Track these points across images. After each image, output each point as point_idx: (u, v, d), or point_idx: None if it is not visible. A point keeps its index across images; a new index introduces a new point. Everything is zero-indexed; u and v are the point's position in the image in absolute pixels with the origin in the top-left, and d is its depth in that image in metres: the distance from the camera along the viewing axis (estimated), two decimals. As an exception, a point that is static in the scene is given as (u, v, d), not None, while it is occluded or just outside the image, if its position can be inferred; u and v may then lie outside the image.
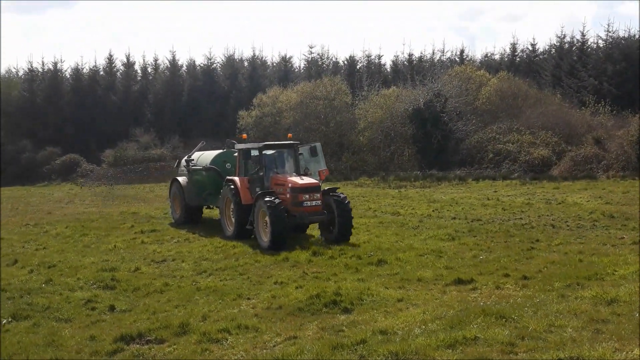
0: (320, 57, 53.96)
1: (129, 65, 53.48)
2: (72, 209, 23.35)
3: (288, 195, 13.94)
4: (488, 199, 20.94)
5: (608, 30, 42.32)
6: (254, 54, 53.91)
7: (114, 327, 8.25)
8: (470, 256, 11.76)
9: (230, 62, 52.63)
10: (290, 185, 14.05)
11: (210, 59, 52.26)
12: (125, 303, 9.55)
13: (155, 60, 54.44)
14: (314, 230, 15.43)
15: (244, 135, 16.55)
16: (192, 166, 18.06)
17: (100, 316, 8.90)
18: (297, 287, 9.97)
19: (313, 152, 16.41)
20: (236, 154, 16.01)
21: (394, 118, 34.56)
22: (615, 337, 6.20)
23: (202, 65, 52.54)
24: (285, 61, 53.55)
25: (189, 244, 14.73)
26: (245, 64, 53.22)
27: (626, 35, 40.85)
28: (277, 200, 13.46)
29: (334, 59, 54.73)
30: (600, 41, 43.22)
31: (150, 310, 9.03)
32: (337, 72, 47.64)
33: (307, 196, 13.87)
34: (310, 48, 53.36)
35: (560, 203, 19.20)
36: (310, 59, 53.62)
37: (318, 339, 7.19)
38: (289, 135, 17.34)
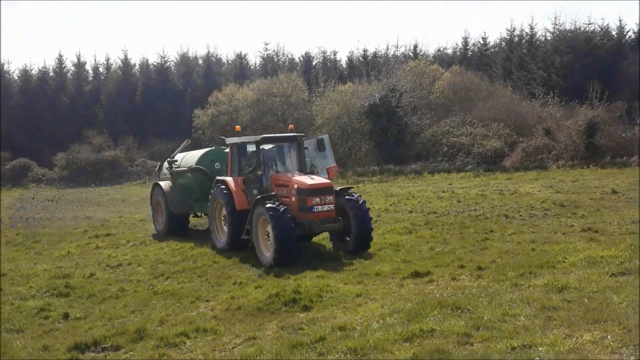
0: (276, 54, 54.02)
1: (79, 65, 52.24)
2: (23, 214, 22.63)
3: (294, 199, 11.79)
4: (443, 192, 21.29)
5: (555, 24, 43.66)
6: (208, 51, 53.78)
7: (68, 335, 8.05)
8: (426, 249, 11.94)
9: (185, 60, 52.02)
10: (296, 186, 11.83)
11: (163, 58, 51.55)
12: (79, 310, 9.32)
13: (107, 59, 53.47)
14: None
15: (238, 128, 13.97)
16: (175, 168, 15.87)
17: (53, 325, 8.67)
18: (256, 287, 9.93)
19: (320, 146, 13.84)
20: (227, 151, 13.91)
21: (350, 114, 34.77)
22: (566, 323, 6.39)
23: (155, 64, 51.76)
24: (240, 58, 53.23)
25: (145, 248, 14.48)
26: (200, 61, 52.71)
27: (572, 28, 42.11)
28: (281, 207, 11.33)
29: (289, 56, 54.93)
30: (548, 34, 44.49)
31: (105, 317, 8.86)
32: (293, 69, 47.70)
33: (317, 199, 11.63)
34: (266, 45, 53.71)
35: (512, 193, 19.67)
36: (265, 55, 53.60)
37: (277, 338, 7.18)
38: (291, 126, 14.79)
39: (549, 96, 34.77)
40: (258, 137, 12.79)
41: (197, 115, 39.23)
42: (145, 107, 47.54)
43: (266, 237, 11.61)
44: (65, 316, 9.01)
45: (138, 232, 16.74)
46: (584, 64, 38.28)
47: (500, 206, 17.09)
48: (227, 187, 12.80)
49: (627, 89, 34.72)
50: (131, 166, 37.32)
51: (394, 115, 32.80)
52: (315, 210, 11.63)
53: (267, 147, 13.25)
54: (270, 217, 11.15)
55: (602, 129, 28.04)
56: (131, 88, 49.65)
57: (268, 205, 11.35)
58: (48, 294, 10.35)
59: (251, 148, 12.94)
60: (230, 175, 13.23)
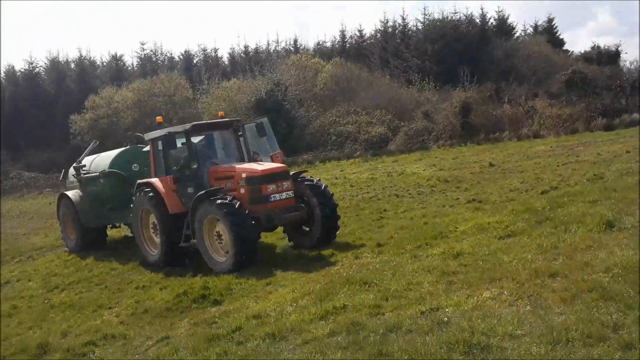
0: (154, 54, 52.35)
1: None
2: None
3: (243, 190, 10.29)
4: (336, 178, 21.80)
5: (425, 14, 46.02)
6: (80, 54, 50.66)
7: (-40, 362, 7.43)
8: (327, 233, 12.17)
9: (55, 65, 48.95)
10: (244, 175, 10.32)
11: (31, 63, 48.13)
12: (-32, 335, 8.61)
13: (-34, 66, 49.01)
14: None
15: (159, 119, 12.02)
16: (85, 174, 13.90)
17: (-60, 354, 7.95)
18: (161, 289, 9.72)
19: (259, 131, 12.06)
20: (146, 149, 12.18)
21: (237, 110, 34.49)
22: (466, 285, 6.85)
23: (22, 70, 48.23)
24: (116, 59, 50.98)
25: (33, 262, 13.64)
26: (72, 65, 49.82)
27: (441, 17, 44.53)
28: (234, 201, 9.87)
29: (168, 55, 53.42)
30: (419, 24, 46.71)
31: (1, 337, 8.26)
32: (173, 68, 46.50)
33: (273, 187, 10.24)
34: (142, 45, 51.56)
35: (400, 174, 20.53)
36: (143, 55, 51.77)
37: (191, 335, 7.08)
38: (220, 113, 13.00)
39: (424, 82, 36.58)
40: (187, 126, 11.05)
41: (73, 121, 37.13)
42: (15, 116, 44.14)
43: (217, 239, 10.24)
44: (-47, 342, 8.29)
45: (22, 247, 15.65)
46: (453, 50, 40.58)
47: (391, 187, 17.80)
48: (154, 190, 11.07)
49: (493, 71, 37.40)
50: (5, 179, 34.61)
51: (281, 108, 32.99)
52: (273, 199, 10.27)
53: (197, 137, 11.62)
54: (225, 215, 9.67)
55: (475, 109, 30.00)
56: (-3, 98, 45.92)
57: (219, 202, 9.84)
58: None
59: (181, 140, 11.20)
60: (156, 176, 11.51)
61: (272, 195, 10.29)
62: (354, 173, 23.06)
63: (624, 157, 16.31)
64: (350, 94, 36.53)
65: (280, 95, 33.38)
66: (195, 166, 10.99)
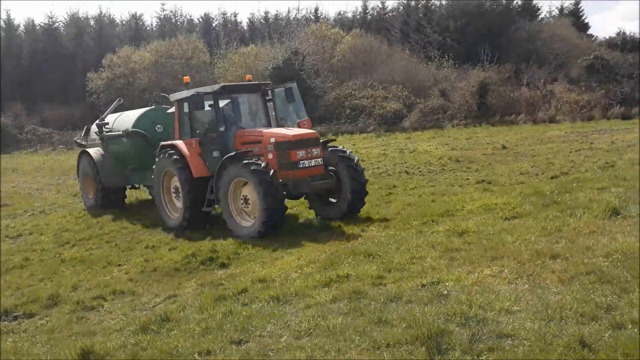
0: (174, 15, 52.38)
1: (-46, 26, 47.74)
2: None
3: (271, 156, 10.05)
4: (348, 152, 21.83)
5: (449, -12, 45.22)
6: (100, 11, 50.87)
7: (-27, 308, 7.70)
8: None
9: (75, 20, 49.06)
10: (273, 140, 10.05)
11: (51, 18, 48.33)
12: (-18, 282, 8.91)
13: (-14, 20, 49.23)
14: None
15: (187, 78, 11.67)
16: (107, 132, 13.49)
17: (-45, 299, 8.24)
18: (170, 249, 9.94)
19: (288, 96, 11.61)
20: (171, 110, 11.85)
21: (254, 77, 34.42)
22: (468, 262, 6.96)
23: (42, 24, 48.42)
24: (135, 19, 51.05)
25: (46, 216, 13.92)
26: (92, 22, 49.93)
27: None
28: (264, 164, 9.63)
29: (188, 17, 53.38)
30: (443, -1, 46.06)
31: (12, 287, 8.55)
32: (192, 30, 46.44)
33: (302, 153, 9.95)
34: (162, 5, 51.49)
35: (412, 152, 20.58)
36: (162, 16, 51.82)
37: (198, 294, 7.28)
38: (249, 77, 12.58)
39: (444, 59, 36.26)
40: (216, 87, 10.79)
41: (90, 79, 37.34)
42: (33, 71, 44.47)
43: (244, 203, 9.99)
44: (-33, 289, 8.59)
45: (35, 201, 15.98)
46: (475, 28, 40.07)
47: (401, 164, 17.87)
48: (179, 152, 10.72)
49: (514, 52, 36.93)
50: (20, 134, 35.06)
51: (298, 78, 32.87)
52: (302, 166, 9.98)
53: (224, 100, 11.26)
54: (255, 176, 9.43)
55: (493, 90, 29.78)
56: (16, 51, 46.20)
57: (248, 164, 9.57)
58: (-56, 267, 9.76)
59: (209, 101, 10.81)
60: (180, 138, 11.14)
61: (301, 162, 9.99)
62: (365, 148, 23.11)
63: (638, 147, 16.21)
64: (368, 67, 36.30)
65: (298, 65, 33.26)
66: (222, 129, 10.74)
